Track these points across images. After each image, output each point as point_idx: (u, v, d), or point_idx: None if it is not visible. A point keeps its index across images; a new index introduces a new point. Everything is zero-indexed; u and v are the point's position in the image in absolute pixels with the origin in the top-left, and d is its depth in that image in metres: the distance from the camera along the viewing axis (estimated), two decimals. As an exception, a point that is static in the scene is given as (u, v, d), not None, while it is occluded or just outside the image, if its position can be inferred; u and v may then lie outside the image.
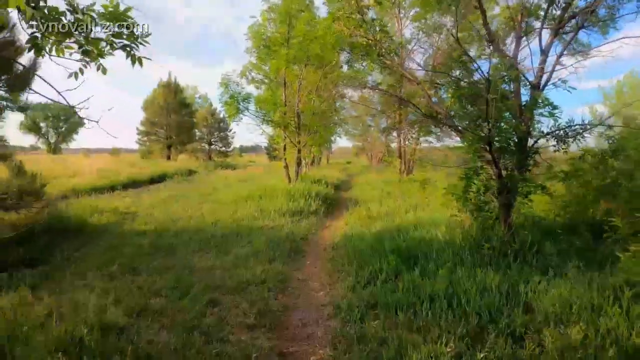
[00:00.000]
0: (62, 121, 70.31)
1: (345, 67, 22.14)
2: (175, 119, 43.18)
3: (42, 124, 69.11)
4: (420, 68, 12.40)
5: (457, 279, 5.32)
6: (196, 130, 49.08)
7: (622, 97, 48.61)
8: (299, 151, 15.04)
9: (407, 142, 21.41)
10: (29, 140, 69.23)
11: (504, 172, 7.40)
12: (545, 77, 7.85)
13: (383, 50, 8.55)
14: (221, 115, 49.46)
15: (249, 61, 16.30)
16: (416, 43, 21.08)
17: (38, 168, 10.44)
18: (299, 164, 15.28)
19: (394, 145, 27.82)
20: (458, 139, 9.23)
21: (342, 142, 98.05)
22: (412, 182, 18.04)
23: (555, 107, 6.71)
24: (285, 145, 15.36)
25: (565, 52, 8.58)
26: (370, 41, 8.35)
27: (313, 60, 14.16)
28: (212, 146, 52.01)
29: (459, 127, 7.82)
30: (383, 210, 10.82)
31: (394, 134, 27.17)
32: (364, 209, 11.20)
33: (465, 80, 7.89)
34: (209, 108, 52.41)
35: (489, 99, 6.29)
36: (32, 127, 67.92)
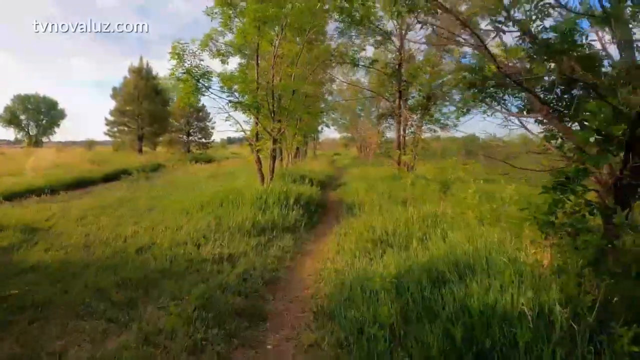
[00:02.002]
0: (43, 113, 67.54)
1: (334, 44, 18.88)
2: (147, 107, 39.23)
3: (22, 117, 66.30)
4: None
5: None
6: (174, 121, 45.23)
7: None
8: (275, 141, 11.56)
9: (407, 131, 18.15)
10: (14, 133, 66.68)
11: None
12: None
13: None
14: (200, 104, 45.67)
15: (212, 28, 12.74)
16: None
17: None
18: (274, 158, 11.78)
19: (390, 135, 24.62)
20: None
21: (330, 132, 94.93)
22: (416, 179, 14.83)
23: None
24: (257, 133, 11.88)
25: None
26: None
27: (292, 21, 10.70)
28: (191, 137, 48.27)
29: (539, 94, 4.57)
30: (390, 225, 7.49)
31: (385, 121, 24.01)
32: (363, 224, 7.84)
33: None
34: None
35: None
36: (11, 120, 64.77)
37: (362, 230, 7.35)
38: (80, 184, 17.82)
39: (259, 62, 11.96)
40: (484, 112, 6.63)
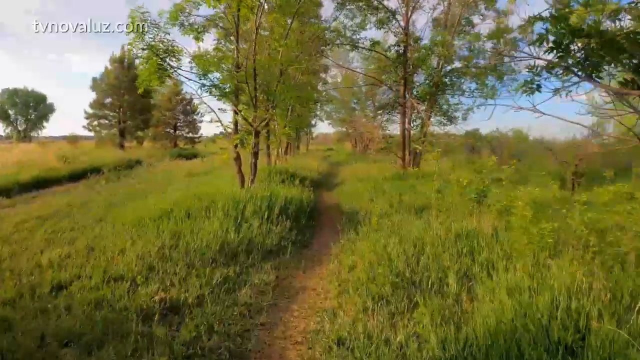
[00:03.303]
0: (32, 108, 65.46)
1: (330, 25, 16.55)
2: (129, 99, 36.61)
3: (10, 111, 64.28)
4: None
5: None
6: (159, 114, 42.58)
7: None
8: (257, 134, 9.30)
9: (413, 124, 16.04)
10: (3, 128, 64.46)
11: None
12: None
13: None
14: (188, 96, 43.09)
15: (183, -1, 10.46)
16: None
17: None
18: (256, 155, 9.50)
19: (391, 128, 22.56)
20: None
21: (323, 127, 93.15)
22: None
23: None
24: (237, 124, 9.62)
25: None
26: None
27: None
28: (178, 132, 45.64)
29: None
30: (410, 251, 5.35)
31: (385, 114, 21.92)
32: (372, 247, 5.64)
33: None
34: (175, 88, 45.45)
35: None
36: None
37: (373, 259, 5.17)
38: (38, 184, 15.43)
39: (239, 35, 9.70)
40: (556, 91, 4.48)
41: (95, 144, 38.32)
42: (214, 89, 9.75)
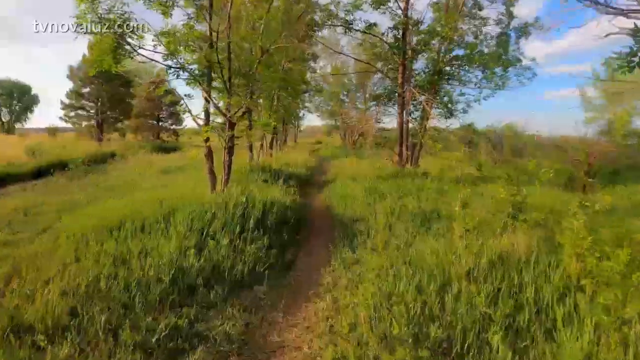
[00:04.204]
0: (16, 99, 63.34)
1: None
2: (108, 89, 34.39)
3: None
4: None
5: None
6: (140, 105, 40.32)
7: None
8: (231, 126, 7.76)
9: (412, 116, 14.61)
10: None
11: None
12: None
13: None
14: (170, 86, 40.85)
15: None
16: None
17: None
18: (230, 150, 7.92)
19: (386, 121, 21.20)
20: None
21: (312, 119, 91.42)
22: (424, 178, 11.44)
23: None
24: (207, 111, 8.04)
25: None
26: None
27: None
28: (161, 123, 43.44)
29: None
30: (431, 288, 3.95)
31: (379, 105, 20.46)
32: (377, 282, 4.20)
33: None
34: (157, 77, 43.10)
35: None
36: (-17, 106, 60.23)
37: (379, 301, 3.75)
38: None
39: (212, 7, 8.15)
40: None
41: (75, 136, 36.49)
42: (181, 72, 8.23)
